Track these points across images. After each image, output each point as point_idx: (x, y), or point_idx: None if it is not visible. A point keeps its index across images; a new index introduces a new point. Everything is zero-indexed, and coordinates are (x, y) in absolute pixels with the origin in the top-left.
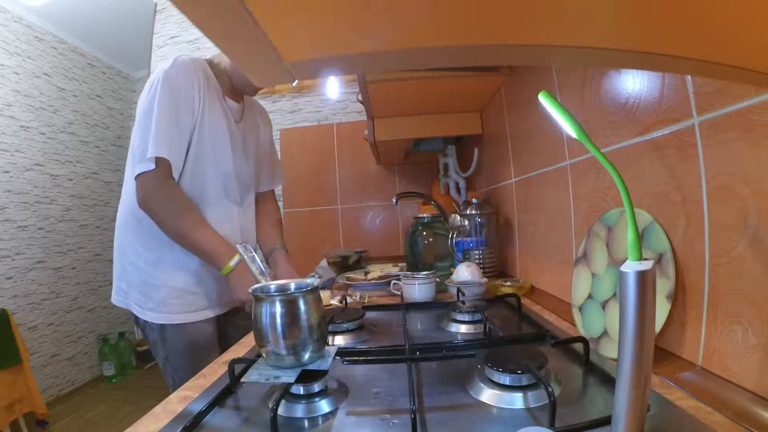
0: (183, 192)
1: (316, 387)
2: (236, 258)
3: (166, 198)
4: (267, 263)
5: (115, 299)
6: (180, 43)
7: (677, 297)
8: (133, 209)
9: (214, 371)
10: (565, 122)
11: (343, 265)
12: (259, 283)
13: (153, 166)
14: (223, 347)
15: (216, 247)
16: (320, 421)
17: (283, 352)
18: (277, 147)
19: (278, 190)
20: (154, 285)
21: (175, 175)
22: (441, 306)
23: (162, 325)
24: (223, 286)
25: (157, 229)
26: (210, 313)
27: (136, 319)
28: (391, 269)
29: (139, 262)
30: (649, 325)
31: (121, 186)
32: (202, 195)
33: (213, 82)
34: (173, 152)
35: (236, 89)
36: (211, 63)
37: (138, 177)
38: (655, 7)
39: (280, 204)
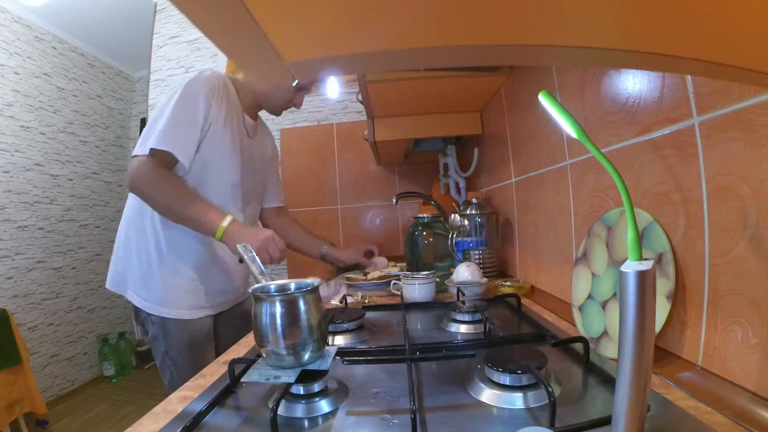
0: (173, 173)
1: (316, 387)
2: (227, 219)
3: (155, 177)
4: (326, 260)
5: (110, 284)
6: (180, 43)
7: (677, 297)
8: (138, 209)
9: (214, 371)
10: (565, 122)
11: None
12: (259, 282)
13: (147, 152)
14: (217, 343)
15: (206, 215)
16: (320, 421)
17: (283, 352)
18: (277, 147)
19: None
20: (155, 280)
21: (180, 171)
22: (441, 306)
23: (163, 319)
24: (219, 286)
25: (162, 231)
26: (208, 312)
27: (137, 313)
28: (391, 269)
29: (142, 254)
30: (649, 325)
31: (121, 186)
32: (206, 197)
33: (233, 97)
34: (177, 148)
35: (256, 108)
36: (235, 80)
37: (133, 159)
38: (656, 7)
39: None
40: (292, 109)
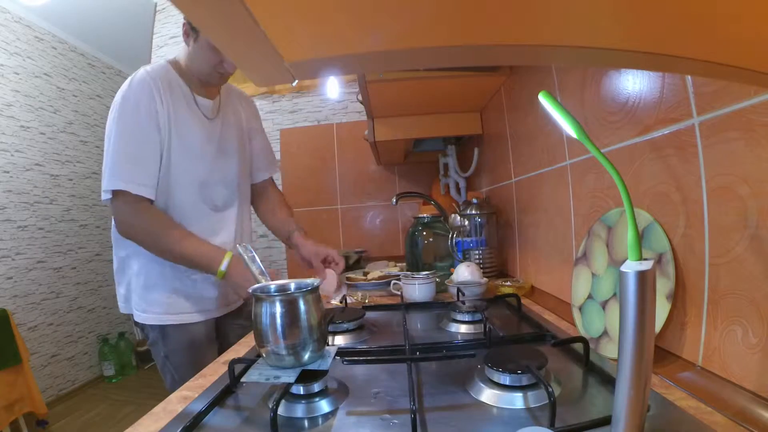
0: (156, 210)
1: (316, 387)
2: (226, 260)
3: (139, 222)
4: (289, 246)
5: (122, 307)
6: (180, 43)
7: (677, 297)
8: None
9: (214, 371)
10: (565, 122)
11: None
12: (259, 282)
13: (110, 196)
14: (221, 346)
15: (204, 256)
16: (320, 421)
17: (283, 352)
18: (277, 147)
19: None
20: (153, 287)
21: (150, 193)
22: (441, 306)
23: (163, 324)
24: (221, 291)
25: None
26: (209, 315)
27: (136, 319)
28: (391, 269)
29: (137, 266)
30: (649, 325)
31: None
32: (176, 207)
33: (178, 85)
34: (135, 177)
35: (206, 84)
36: (175, 64)
37: (111, 205)
38: (656, 7)
39: None
40: (293, 109)
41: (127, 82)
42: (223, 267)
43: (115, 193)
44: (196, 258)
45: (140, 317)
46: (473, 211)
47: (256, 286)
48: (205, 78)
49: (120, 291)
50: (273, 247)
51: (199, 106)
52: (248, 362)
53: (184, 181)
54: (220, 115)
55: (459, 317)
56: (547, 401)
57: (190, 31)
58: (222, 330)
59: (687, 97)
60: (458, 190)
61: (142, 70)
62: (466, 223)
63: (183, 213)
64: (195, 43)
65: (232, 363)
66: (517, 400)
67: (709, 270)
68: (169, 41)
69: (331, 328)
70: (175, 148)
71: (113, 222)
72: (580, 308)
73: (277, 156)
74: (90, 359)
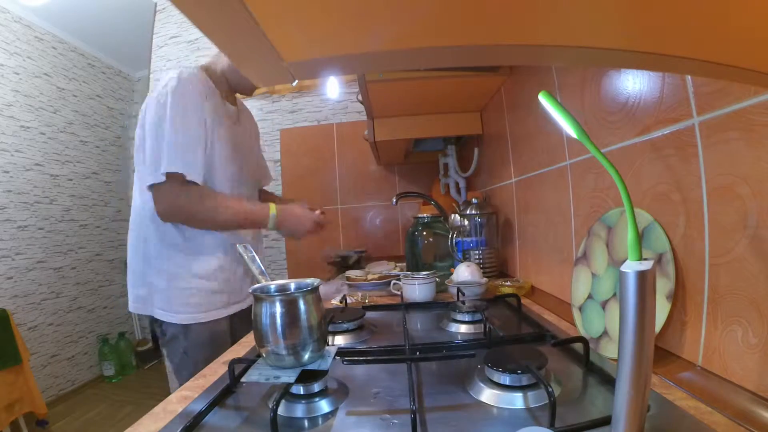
0: (198, 187)
1: (316, 387)
2: (272, 213)
3: (184, 202)
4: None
5: (134, 307)
6: (180, 43)
7: (677, 297)
8: (151, 217)
9: (214, 371)
10: (565, 122)
11: (343, 265)
12: (259, 282)
13: (164, 179)
14: (233, 341)
15: (251, 214)
16: (320, 421)
17: (283, 352)
18: (277, 147)
19: (278, 191)
20: (180, 287)
21: (201, 181)
22: (441, 306)
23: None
24: (242, 285)
25: (176, 235)
26: (231, 310)
27: (153, 317)
28: (391, 269)
29: (164, 265)
30: (649, 325)
31: (121, 186)
32: None
33: (212, 89)
34: (188, 164)
35: (232, 92)
36: (207, 69)
37: (154, 189)
38: (656, 7)
39: None
40: (293, 109)
41: (173, 77)
42: (272, 215)
43: (168, 177)
44: (243, 219)
45: (164, 316)
46: (473, 211)
47: (256, 286)
48: (240, 87)
49: (138, 293)
50: (273, 247)
51: (228, 112)
52: (248, 362)
53: (222, 179)
54: (240, 122)
55: (459, 317)
56: (547, 401)
57: None
58: (233, 329)
59: (687, 97)
60: (458, 190)
61: (185, 70)
62: (466, 223)
63: None
64: None
65: (232, 363)
66: (517, 400)
67: (709, 270)
68: (169, 41)
69: (331, 328)
70: (216, 147)
71: (133, 221)
72: (580, 308)
73: (277, 156)
74: (90, 359)
